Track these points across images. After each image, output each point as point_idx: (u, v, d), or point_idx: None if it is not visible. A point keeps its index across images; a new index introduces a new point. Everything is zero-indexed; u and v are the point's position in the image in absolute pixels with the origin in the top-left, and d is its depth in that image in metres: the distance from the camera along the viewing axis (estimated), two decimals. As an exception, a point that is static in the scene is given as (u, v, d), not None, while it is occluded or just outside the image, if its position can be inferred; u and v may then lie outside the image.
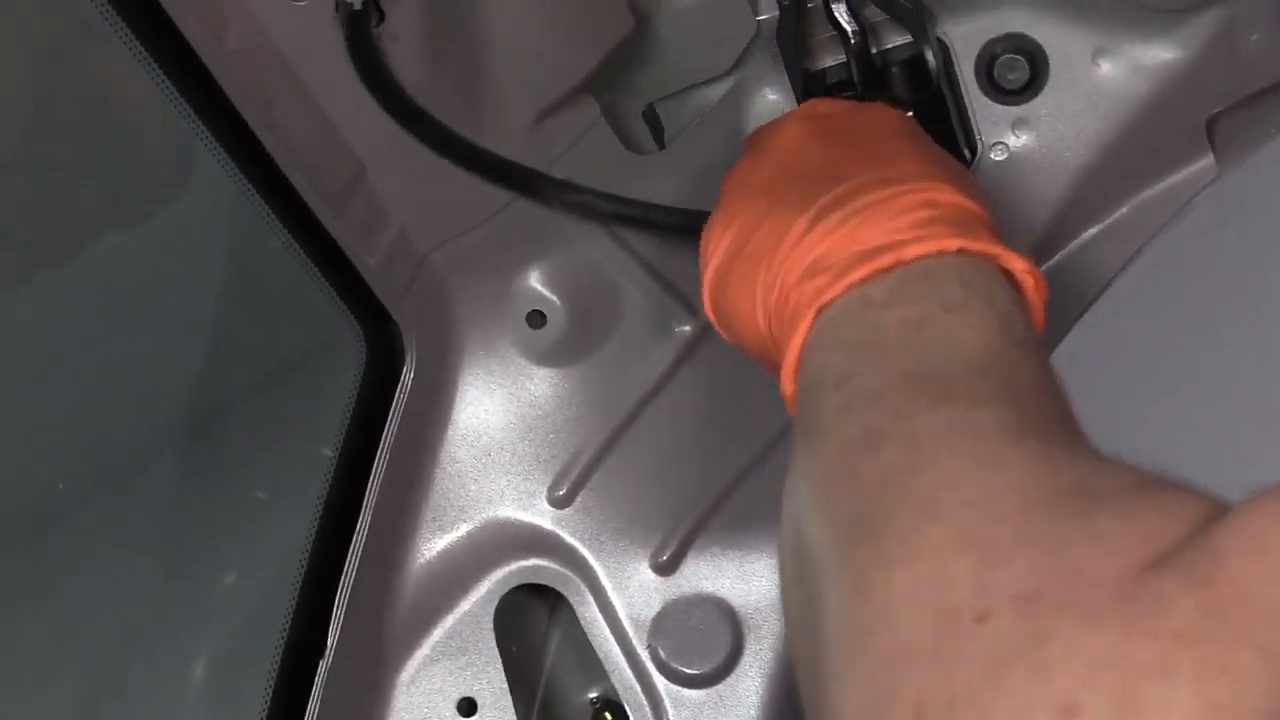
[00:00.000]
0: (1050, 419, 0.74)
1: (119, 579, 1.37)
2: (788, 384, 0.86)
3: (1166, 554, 0.58)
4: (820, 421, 0.79)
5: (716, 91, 1.27)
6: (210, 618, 1.38)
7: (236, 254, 1.18)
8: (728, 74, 1.26)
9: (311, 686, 1.18)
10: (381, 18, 1.04)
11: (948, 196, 0.90)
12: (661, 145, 1.29)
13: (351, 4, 1.01)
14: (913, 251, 0.84)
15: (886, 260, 0.84)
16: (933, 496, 0.68)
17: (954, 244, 0.85)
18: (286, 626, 1.19)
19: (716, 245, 0.97)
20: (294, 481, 1.29)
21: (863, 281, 0.84)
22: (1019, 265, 0.86)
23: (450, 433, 1.26)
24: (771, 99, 1.25)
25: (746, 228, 0.95)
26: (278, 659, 1.19)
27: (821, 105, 1.06)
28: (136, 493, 1.35)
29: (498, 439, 1.27)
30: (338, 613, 1.19)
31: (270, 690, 1.18)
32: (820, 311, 0.85)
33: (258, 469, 1.37)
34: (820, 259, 0.88)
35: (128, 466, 1.32)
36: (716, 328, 1.00)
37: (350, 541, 1.19)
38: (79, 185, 1.11)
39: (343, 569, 1.19)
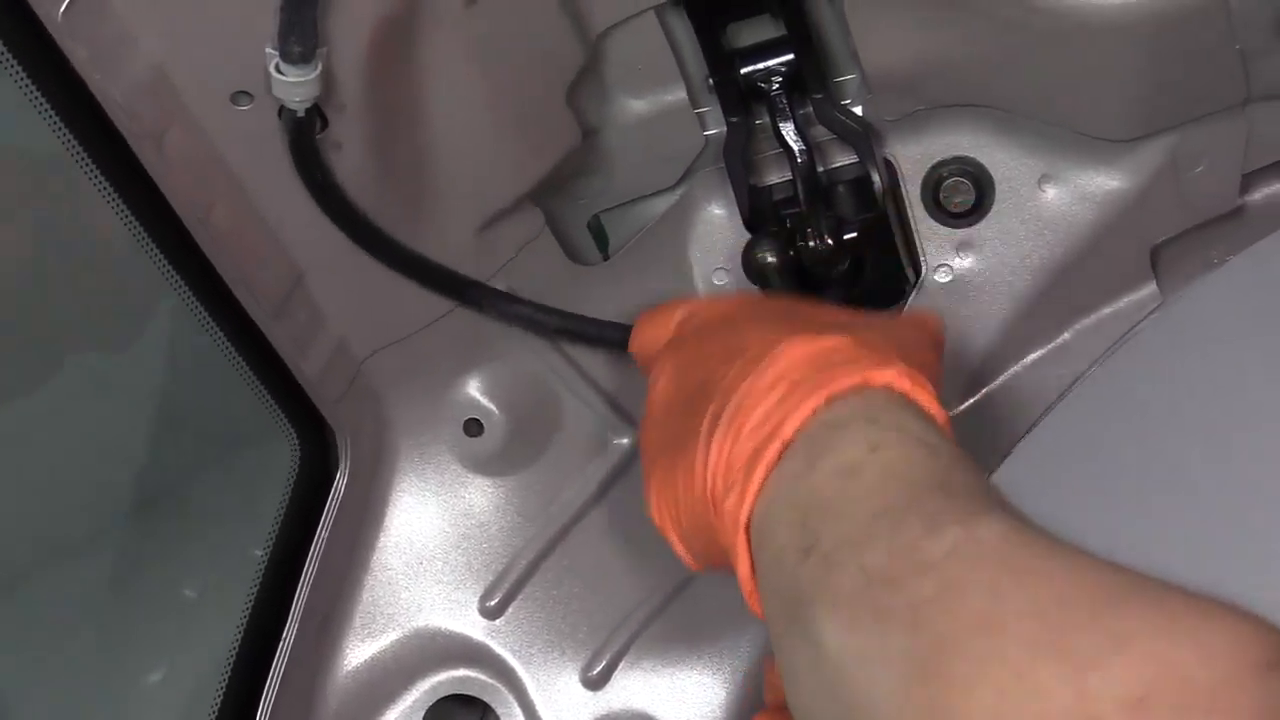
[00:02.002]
0: (1030, 523, 0.75)
1: (39, 679, 1.36)
2: (751, 602, 0.85)
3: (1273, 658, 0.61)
4: (799, 593, 0.77)
5: (662, 205, 1.28)
6: (135, 718, 1.37)
7: (173, 355, 1.18)
8: (673, 188, 1.27)
9: (233, 802, 1.17)
10: (325, 124, 1.04)
11: (827, 347, 0.89)
12: (606, 256, 1.30)
13: (295, 111, 1.01)
14: (790, 427, 0.84)
15: (773, 450, 0.84)
16: (983, 614, 0.67)
17: (845, 384, 0.85)
18: (207, 737, 1.18)
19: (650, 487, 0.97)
20: (224, 581, 1.29)
21: (775, 462, 0.84)
22: (922, 398, 0.86)
23: (383, 539, 1.26)
24: (717, 213, 1.27)
25: (663, 462, 0.95)
26: (197, 771, 1.18)
27: (692, 309, 1.06)
28: (64, 583, 1.34)
29: (431, 547, 1.27)
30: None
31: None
32: (748, 526, 0.85)
33: (187, 567, 1.36)
34: (722, 475, 0.88)
35: (53, 558, 1.31)
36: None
37: (277, 646, 1.19)
38: (11, 279, 1.11)
39: (268, 674, 1.19)
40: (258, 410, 1.16)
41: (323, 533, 1.20)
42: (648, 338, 1.07)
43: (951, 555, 0.71)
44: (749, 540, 0.85)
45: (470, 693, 1.28)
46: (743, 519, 0.84)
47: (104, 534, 1.33)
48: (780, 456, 0.84)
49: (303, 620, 1.20)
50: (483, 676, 1.28)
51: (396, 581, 1.27)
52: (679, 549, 0.97)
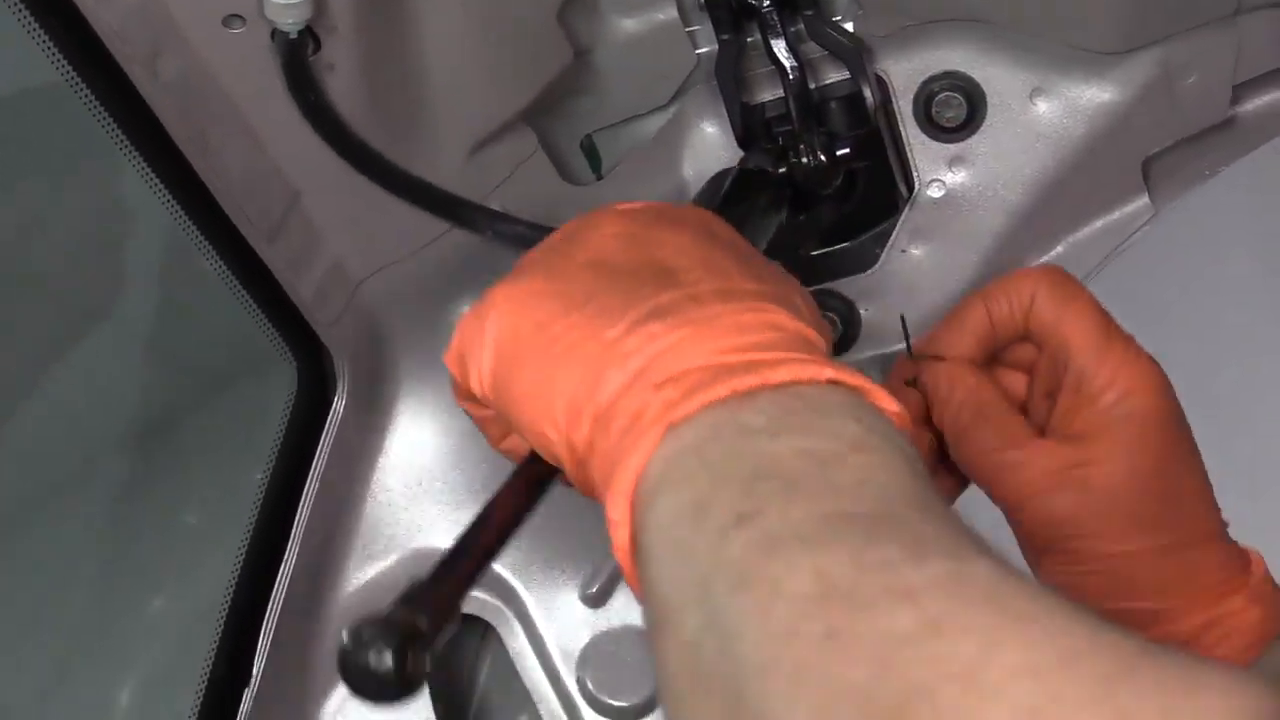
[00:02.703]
0: (1023, 574, 0.65)
1: (48, 601, 1.37)
2: (621, 507, 0.74)
3: None
4: (723, 562, 0.67)
5: (655, 124, 1.28)
6: (138, 644, 1.38)
7: (170, 278, 1.19)
8: (666, 106, 1.28)
9: (236, 717, 1.19)
10: (318, 46, 1.05)
11: (790, 323, 0.81)
12: (599, 176, 1.30)
13: (288, 33, 1.01)
14: (780, 375, 0.75)
15: (750, 381, 0.75)
16: (973, 666, 0.58)
17: (823, 372, 0.77)
18: (212, 655, 1.19)
19: (505, 321, 0.86)
20: (224, 507, 1.30)
21: (722, 402, 0.75)
22: (891, 405, 0.78)
23: (382, 461, 1.28)
24: (709, 131, 1.27)
25: (552, 310, 0.84)
26: (203, 688, 1.19)
27: (636, 204, 0.95)
28: (67, 514, 1.35)
29: (430, 468, 1.28)
30: (263, 643, 1.19)
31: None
32: (669, 429, 0.77)
33: (189, 493, 1.37)
34: (654, 367, 0.78)
35: (58, 486, 1.32)
36: (494, 412, 0.89)
37: (278, 569, 1.20)
38: (14, 205, 1.12)
39: (270, 598, 1.20)
40: (255, 334, 1.17)
41: (322, 455, 1.21)
42: None
43: (936, 586, 0.61)
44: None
45: (471, 612, 1.29)
46: (675, 417, 0.75)
47: (104, 463, 1.35)
48: (744, 394, 0.75)
49: (303, 542, 1.21)
50: (484, 596, 1.29)
51: (396, 502, 1.28)
52: (488, 372, 0.85)
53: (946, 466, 1.10)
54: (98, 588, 1.39)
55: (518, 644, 1.29)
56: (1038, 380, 1.08)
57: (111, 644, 1.38)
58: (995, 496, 1.05)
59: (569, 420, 0.82)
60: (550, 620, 1.29)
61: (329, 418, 1.21)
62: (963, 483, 1.12)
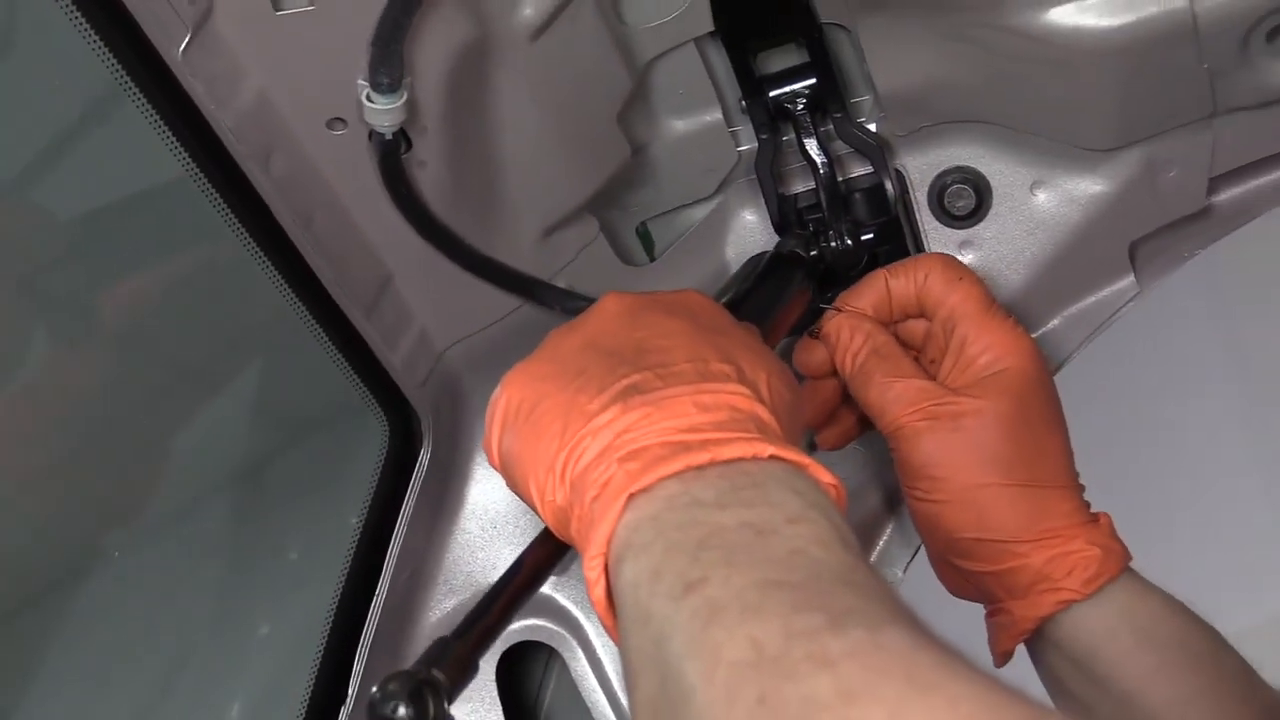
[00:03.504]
0: (929, 633, 0.65)
1: (164, 624, 1.36)
2: (596, 567, 0.75)
3: None
4: (675, 628, 0.67)
5: (701, 212, 1.28)
6: (246, 665, 1.37)
7: (281, 348, 1.18)
8: (711, 197, 1.27)
9: (336, 732, 1.18)
10: (409, 146, 1.04)
11: (746, 404, 0.82)
12: (652, 258, 1.29)
13: (384, 134, 1.01)
14: (728, 452, 0.76)
15: (702, 457, 0.76)
16: None
17: (766, 450, 0.77)
18: (313, 677, 1.18)
19: (511, 398, 0.89)
20: (323, 546, 1.29)
21: (677, 475, 0.76)
22: (827, 478, 0.78)
23: (462, 507, 1.27)
24: (749, 219, 1.26)
25: (545, 388, 0.87)
26: (304, 707, 1.18)
27: (633, 294, 0.97)
28: (184, 547, 1.34)
29: (503, 513, 1.27)
30: (358, 666, 1.18)
31: (298, 736, 1.18)
32: (631, 498, 0.75)
33: (293, 534, 1.36)
34: (623, 440, 0.79)
35: (176, 520, 1.31)
36: (501, 473, 0.92)
37: (371, 601, 1.19)
38: (144, 284, 1.11)
39: (363, 626, 1.19)
40: (353, 397, 1.16)
41: (409, 502, 1.20)
42: None
43: (853, 657, 0.60)
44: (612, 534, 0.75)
45: (540, 639, 1.28)
46: (636, 488, 0.75)
47: (220, 504, 1.34)
48: (697, 469, 0.76)
49: (393, 578, 1.20)
50: (551, 625, 1.28)
51: (474, 544, 1.27)
52: (494, 437, 0.88)
53: (849, 407, 1.11)
54: (211, 613, 1.38)
55: (580, 668, 1.28)
56: (926, 349, 1.10)
57: (222, 665, 1.38)
58: (881, 426, 1.07)
59: (551, 484, 0.83)
60: (609, 647, 1.27)
61: (416, 470, 1.21)
62: (862, 424, 1.12)
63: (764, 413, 0.83)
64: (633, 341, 0.88)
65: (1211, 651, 1.02)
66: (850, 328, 1.11)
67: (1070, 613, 1.04)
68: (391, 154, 1.03)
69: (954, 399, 1.06)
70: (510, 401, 0.89)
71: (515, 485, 0.89)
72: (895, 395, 1.07)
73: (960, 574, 1.07)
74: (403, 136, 1.03)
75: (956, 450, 1.05)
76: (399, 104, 0.99)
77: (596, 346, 0.89)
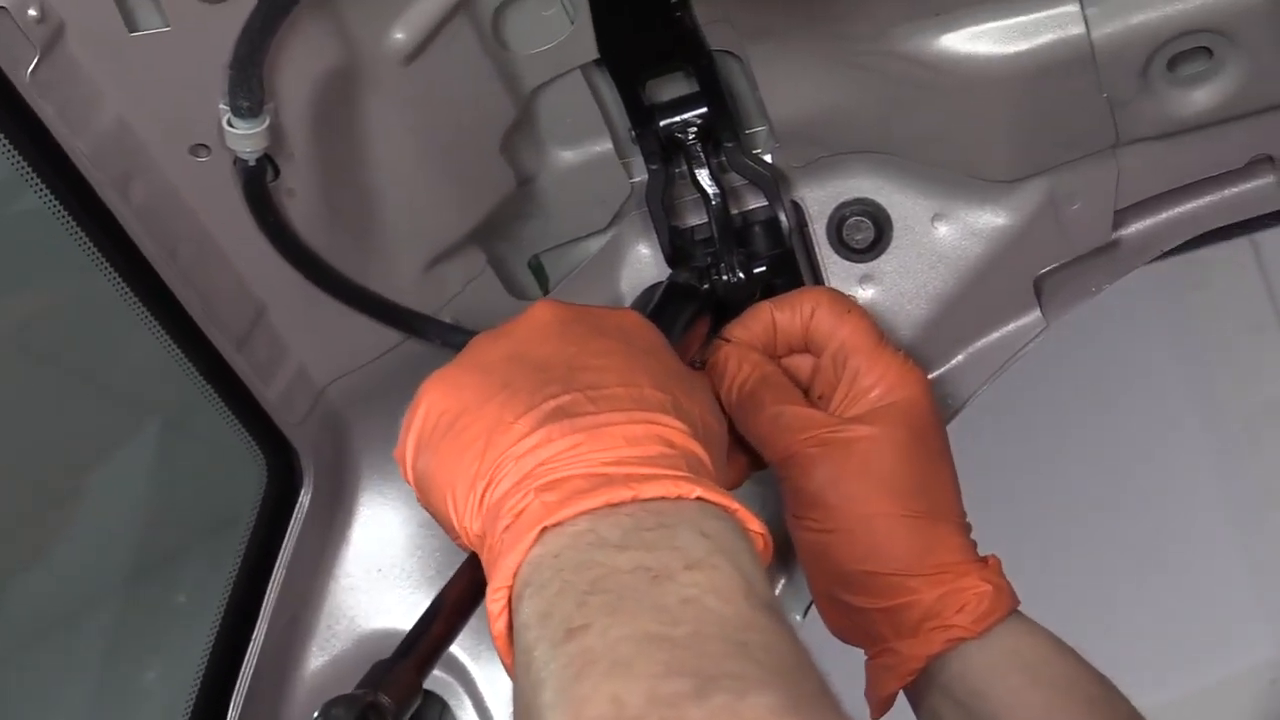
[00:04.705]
0: (820, 699, 0.64)
1: (48, 662, 1.34)
2: (499, 600, 0.73)
3: None
4: (549, 675, 0.66)
5: (595, 245, 1.26)
6: (135, 712, 1.35)
7: (146, 386, 1.16)
8: (605, 230, 1.25)
9: (206, 783, 1.15)
10: (277, 173, 1.02)
11: (681, 439, 0.80)
12: (546, 292, 1.28)
13: (247, 160, 0.99)
14: (651, 490, 0.74)
15: (624, 494, 0.73)
16: None
17: (693, 490, 0.75)
18: (186, 725, 1.16)
19: (431, 407, 0.86)
20: (206, 588, 1.26)
21: (593, 511, 0.73)
22: (754, 525, 0.76)
23: (345, 549, 1.24)
24: (643, 251, 1.25)
25: (467, 399, 0.84)
26: (176, 756, 1.16)
27: (570, 305, 0.95)
28: (61, 597, 1.32)
29: (389, 556, 1.24)
30: (233, 715, 1.15)
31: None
32: (544, 532, 0.73)
33: (182, 575, 1.34)
34: (545, 467, 0.77)
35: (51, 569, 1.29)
36: (412, 486, 0.89)
37: (246, 647, 1.16)
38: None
39: (239, 672, 1.16)
40: (226, 433, 1.14)
41: (289, 544, 1.18)
42: None
43: None
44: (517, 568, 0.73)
45: (428, 688, 1.25)
46: (550, 522, 0.73)
47: (104, 549, 1.31)
48: (614, 506, 0.74)
49: (271, 622, 1.17)
50: (438, 673, 1.25)
51: (358, 586, 1.24)
52: (409, 453, 0.86)
53: (739, 449, 1.09)
54: (103, 657, 1.36)
55: (466, 716, 1.25)
56: (814, 384, 1.09)
57: (109, 712, 1.35)
58: (770, 455, 1.05)
59: (466, 509, 0.80)
60: (498, 696, 1.25)
61: (295, 509, 1.18)
62: (753, 464, 1.10)
63: (699, 450, 0.81)
64: (564, 357, 0.86)
65: (1104, 697, 1.00)
66: (738, 357, 1.09)
67: (958, 652, 1.01)
68: (256, 181, 1.01)
69: (848, 426, 1.05)
70: (430, 411, 0.86)
71: (429, 503, 0.86)
72: (786, 422, 1.05)
73: (847, 611, 1.05)
74: (268, 163, 1.01)
75: (850, 478, 1.03)
76: (261, 129, 0.97)
77: (524, 358, 0.86)
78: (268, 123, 0.97)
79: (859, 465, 1.04)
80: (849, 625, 1.06)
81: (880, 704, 1.04)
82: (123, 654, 1.35)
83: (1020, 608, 1.03)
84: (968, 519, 1.06)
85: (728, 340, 1.11)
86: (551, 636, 0.67)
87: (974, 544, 1.06)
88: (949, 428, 1.12)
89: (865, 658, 1.06)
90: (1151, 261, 1.25)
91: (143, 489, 1.24)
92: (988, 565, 1.04)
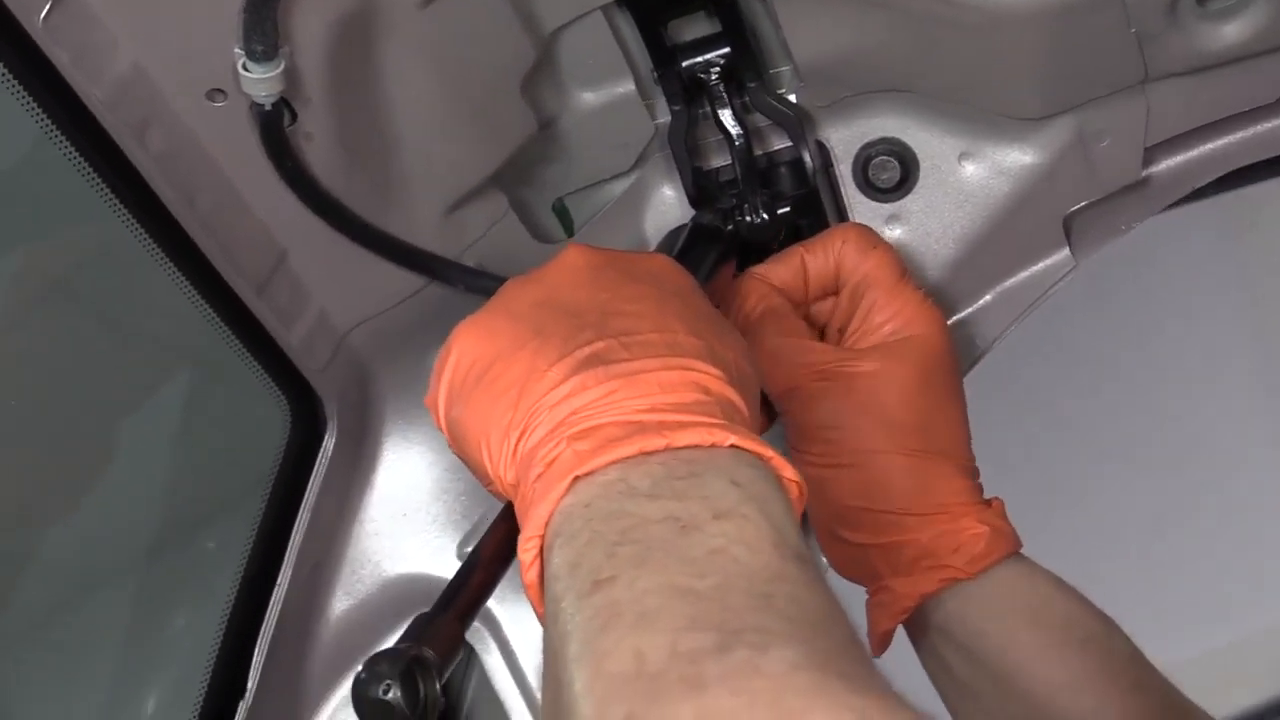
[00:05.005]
0: (844, 650, 0.63)
1: (86, 631, 1.35)
2: (531, 550, 0.73)
3: None
4: (575, 628, 0.65)
5: (620, 187, 1.25)
6: (162, 657, 1.36)
7: (170, 332, 1.16)
8: (629, 172, 1.24)
9: (232, 728, 1.15)
10: (294, 118, 1.02)
11: (717, 385, 0.79)
12: (570, 235, 1.27)
13: (263, 105, 0.99)
14: (685, 438, 0.73)
15: (657, 442, 0.73)
16: None
17: (727, 438, 0.74)
18: (209, 672, 1.16)
19: (463, 355, 0.86)
20: (233, 533, 1.27)
21: (625, 460, 0.72)
22: (788, 473, 0.75)
23: (369, 494, 1.24)
24: (668, 194, 1.24)
25: (500, 346, 0.83)
26: (200, 703, 1.16)
27: (599, 249, 0.93)
28: (95, 547, 1.32)
29: (414, 501, 1.24)
30: (258, 659, 1.16)
31: (194, 729, 1.16)
32: (576, 480, 0.73)
33: (212, 520, 1.34)
34: (579, 416, 0.76)
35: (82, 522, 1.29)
36: (444, 433, 0.89)
37: (271, 592, 1.17)
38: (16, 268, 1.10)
39: (264, 617, 1.16)
40: (250, 380, 1.14)
41: (313, 489, 1.18)
42: None
43: (724, 681, 0.59)
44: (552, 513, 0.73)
45: (456, 633, 1.26)
46: (583, 471, 0.73)
47: (135, 499, 1.32)
48: (648, 454, 0.73)
49: (295, 568, 1.17)
50: (467, 618, 1.26)
51: (382, 533, 1.24)
52: (441, 398, 0.85)
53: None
54: (132, 605, 1.37)
55: (493, 661, 1.25)
56: (833, 320, 1.08)
57: (140, 658, 1.36)
58: (772, 389, 1.04)
59: (501, 458, 0.80)
60: (524, 639, 1.25)
61: (319, 455, 1.18)
62: (770, 414, 1.09)
63: (735, 396, 0.79)
64: (596, 303, 0.84)
65: (1103, 635, 0.99)
66: (745, 290, 1.09)
67: (956, 592, 1.01)
68: (273, 125, 1.00)
69: (853, 360, 1.04)
70: (461, 359, 0.85)
71: (463, 452, 0.86)
72: (788, 354, 1.05)
73: (846, 548, 1.05)
74: (285, 107, 1.00)
75: (852, 412, 1.03)
76: (276, 73, 0.96)
77: (556, 304, 0.85)
78: (283, 66, 0.96)
79: (860, 400, 1.03)
80: (848, 562, 1.06)
81: (877, 642, 1.04)
82: (155, 601, 1.36)
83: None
84: (976, 463, 1.06)
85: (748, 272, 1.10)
86: (579, 588, 0.67)
87: (979, 487, 1.05)
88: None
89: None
90: (1185, 202, 1.24)
91: (169, 438, 1.24)
92: (990, 508, 1.03)
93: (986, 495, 1.06)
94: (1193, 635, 1.92)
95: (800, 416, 1.04)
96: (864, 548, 1.03)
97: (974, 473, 1.05)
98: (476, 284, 1.13)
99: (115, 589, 1.34)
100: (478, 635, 1.25)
